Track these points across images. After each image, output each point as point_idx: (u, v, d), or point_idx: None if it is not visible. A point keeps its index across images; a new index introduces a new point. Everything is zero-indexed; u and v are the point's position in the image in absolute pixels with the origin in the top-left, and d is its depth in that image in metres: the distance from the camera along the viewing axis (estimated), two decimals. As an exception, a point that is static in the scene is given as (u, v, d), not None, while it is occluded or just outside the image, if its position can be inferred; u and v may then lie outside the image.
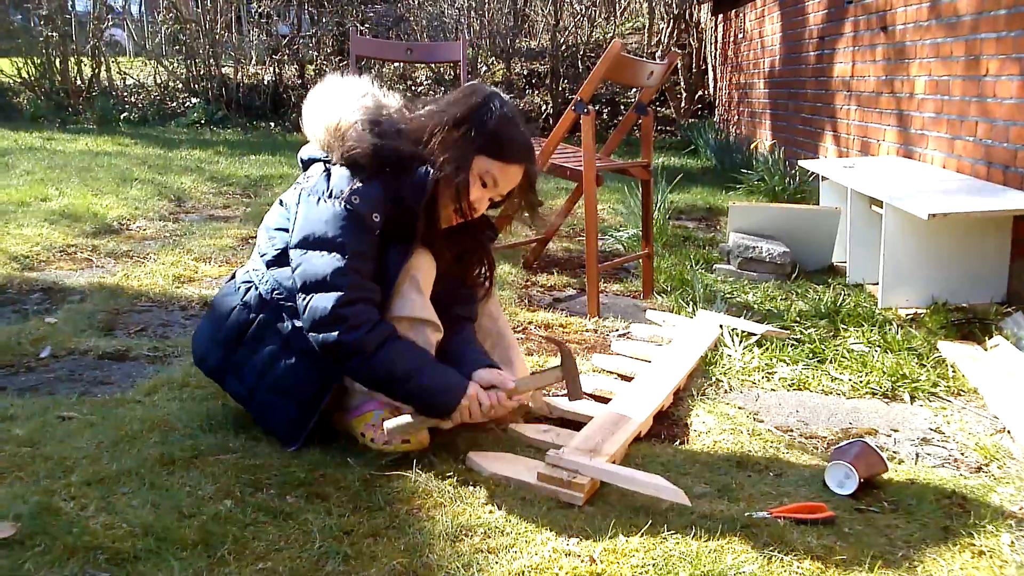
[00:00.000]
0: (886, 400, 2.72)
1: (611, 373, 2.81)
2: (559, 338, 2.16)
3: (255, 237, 4.54)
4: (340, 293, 1.91)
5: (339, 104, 2.04)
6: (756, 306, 3.79)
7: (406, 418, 2.03)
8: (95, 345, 2.87)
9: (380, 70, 10.88)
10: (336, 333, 1.90)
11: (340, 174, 1.99)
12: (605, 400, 2.54)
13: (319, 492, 1.87)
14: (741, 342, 3.09)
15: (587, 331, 3.36)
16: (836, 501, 2.00)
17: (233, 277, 2.22)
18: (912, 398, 2.73)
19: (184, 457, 1.97)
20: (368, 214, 1.95)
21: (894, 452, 2.34)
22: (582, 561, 1.67)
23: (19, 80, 10.45)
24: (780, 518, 1.87)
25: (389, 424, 2.01)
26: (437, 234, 2.09)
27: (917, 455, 2.34)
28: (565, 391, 2.15)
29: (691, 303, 3.64)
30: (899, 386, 2.79)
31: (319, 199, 1.98)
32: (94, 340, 2.93)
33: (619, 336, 3.30)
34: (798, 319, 3.52)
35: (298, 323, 2.00)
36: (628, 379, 2.73)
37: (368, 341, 1.91)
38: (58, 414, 2.21)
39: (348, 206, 1.95)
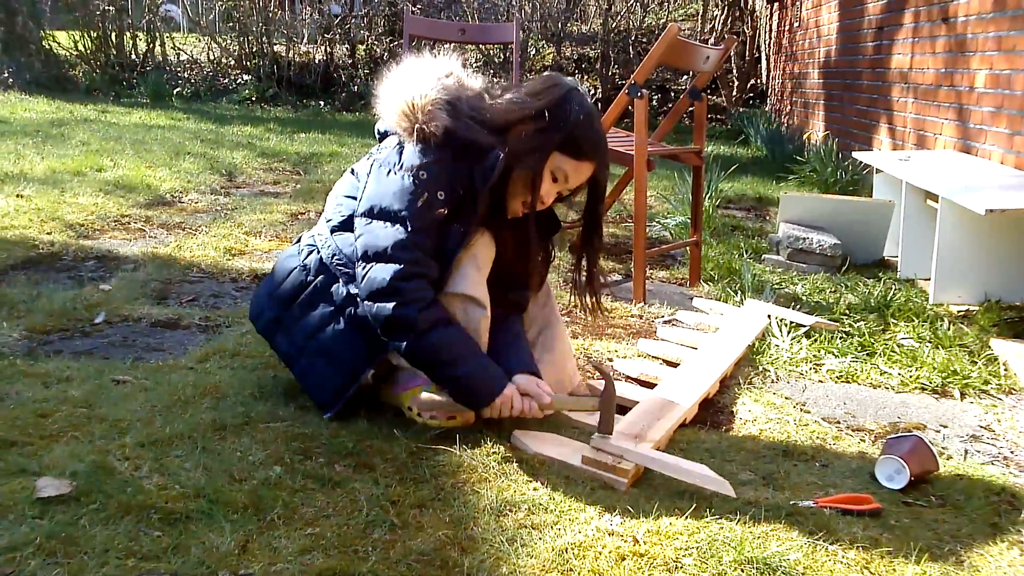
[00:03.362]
0: (936, 396, 2.68)
1: (656, 359, 2.81)
2: (607, 368, 2.15)
3: (304, 214, 4.64)
4: (399, 266, 1.93)
5: (418, 81, 2.04)
6: (805, 297, 3.75)
7: (439, 397, 2.05)
8: (148, 312, 2.93)
9: (431, 51, 10.88)
10: (391, 305, 1.92)
11: (412, 149, 2.00)
12: (650, 385, 2.54)
13: (366, 462, 1.89)
14: (789, 333, 3.06)
15: (632, 316, 3.35)
16: (882, 494, 1.97)
17: (299, 241, 2.24)
18: (962, 394, 2.69)
19: (235, 423, 2.01)
20: (433, 192, 1.96)
21: (943, 448, 2.31)
22: (625, 541, 1.67)
23: (76, 53, 10.62)
24: (826, 508, 1.86)
25: (423, 396, 2.04)
26: (502, 221, 2.10)
27: (966, 452, 2.30)
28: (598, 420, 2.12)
29: (739, 292, 3.61)
30: (949, 382, 2.75)
31: (389, 171, 2.00)
32: (147, 308, 2.98)
33: (665, 323, 3.28)
34: (847, 312, 3.48)
35: (353, 289, 2.03)
36: (674, 365, 2.72)
37: (421, 319, 1.93)
38: (113, 377, 2.26)
39: (416, 180, 1.96)
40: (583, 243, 2.20)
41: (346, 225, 2.09)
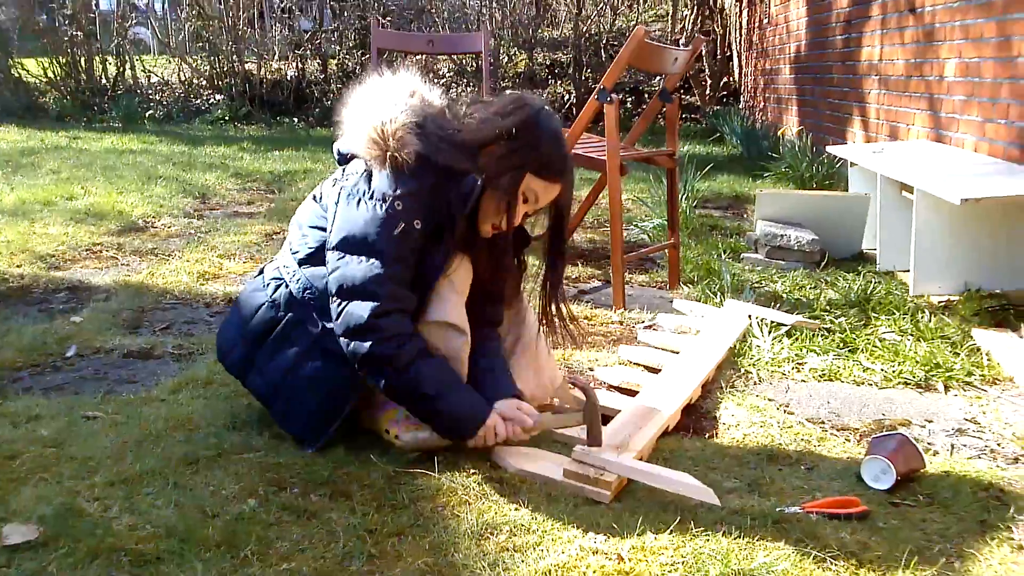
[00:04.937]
0: (920, 390, 2.66)
1: (638, 365, 2.78)
2: (585, 382, 2.12)
3: (279, 233, 4.58)
4: (376, 303, 1.88)
5: (384, 103, 1.98)
6: (785, 295, 3.73)
7: (423, 433, 2.01)
8: (120, 343, 2.88)
9: (403, 63, 10.85)
10: (368, 344, 1.88)
11: (383, 176, 1.94)
12: (632, 393, 2.51)
13: (343, 490, 1.85)
14: (770, 332, 3.04)
15: (613, 323, 3.32)
16: (870, 495, 1.95)
17: (261, 272, 2.19)
18: (946, 388, 2.67)
19: (208, 456, 1.96)
20: (410, 221, 1.91)
21: (929, 443, 2.29)
22: (609, 559, 1.64)
23: (45, 80, 10.52)
24: (812, 513, 1.83)
25: (405, 436, 2.01)
26: (476, 242, 2.06)
27: (952, 446, 2.28)
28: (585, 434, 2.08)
29: (719, 293, 3.59)
30: (933, 375, 2.73)
31: (360, 200, 1.94)
32: (119, 339, 2.93)
33: (645, 327, 3.26)
34: (828, 308, 3.46)
35: (328, 324, 1.97)
36: (655, 371, 2.69)
37: (399, 355, 1.89)
38: (83, 413, 2.21)
39: (390, 210, 1.91)
40: (547, 264, 2.17)
41: (315, 257, 2.03)
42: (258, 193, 5.86)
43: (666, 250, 3.95)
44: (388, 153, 1.92)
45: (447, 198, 1.95)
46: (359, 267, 1.90)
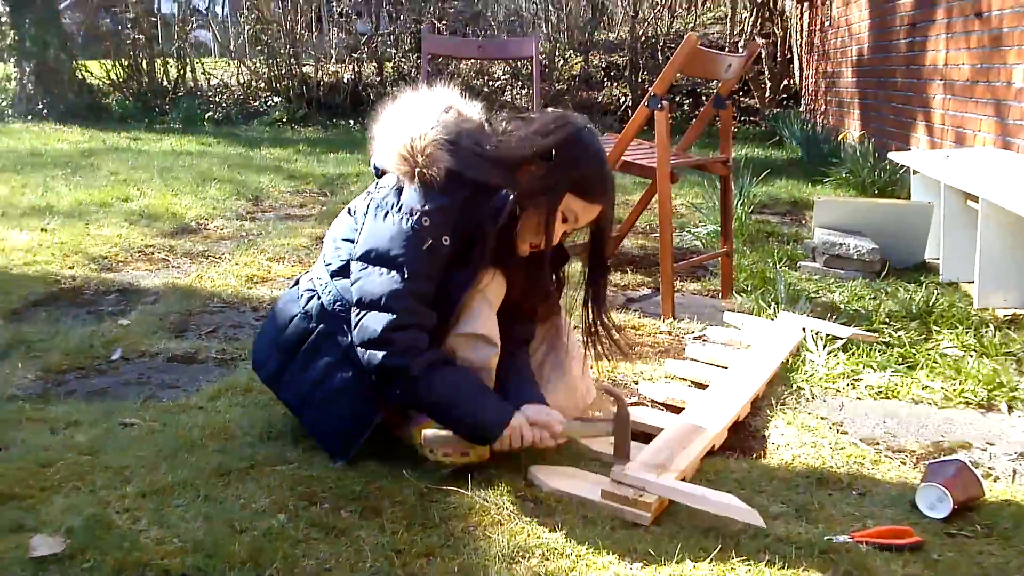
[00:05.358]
0: (982, 410, 2.54)
1: (684, 380, 2.69)
2: (618, 391, 2.06)
3: (328, 236, 4.58)
4: (392, 316, 1.85)
5: (416, 120, 1.94)
6: (842, 306, 3.61)
7: (447, 433, 1.97)
8: (165, 347, 2.89)
9: (458, 66, 10.87)
10: (381, 355, 1.85)
11: (412, 190, 1.90)
12: (677, 410, 2.43)
13: (374, 506, 1.81)
14: (825, 347, 2.93)
15: (661, 333, 3.24)
16: (924, 524, 1.85)
17: (297, 283, 2.18)
18: (1010, 408, 2.54)
19: (241, 468, 1.94)
20: (438, 237, 1.87)
21: (989, 469, 2.17)
22: (646, 588, 1.57)
23: (108, 82, 10.76)
24: (863, 543, 1.74)
25: (428, 432, 1.96)
26: (513, 259, 2.01)
27: (1015, 472, 2.17)
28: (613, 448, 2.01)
29: (772, 304, 3.48)
30: (996, 395, 2.60)
31: (387, 213, 1.91)
32: (164, 342, 2.94)
33: (695, 339, 3.17)
34: (887, 320, 3.34)
35: None
36: (702, 387, 2.61)
37: (413, 366, 1.85)
38: (121, 421, 2.21)
39: (416, 226, 1.86)
40: (588, 281, 2.11)
41: (345, 270, 2.00)
42: (311, 196, 5.88)
43: (719, 258, 3.85)
44: (417, 170, 1.88)
45: (478, 213, 1.89)
46: (380, 280, 1.87)
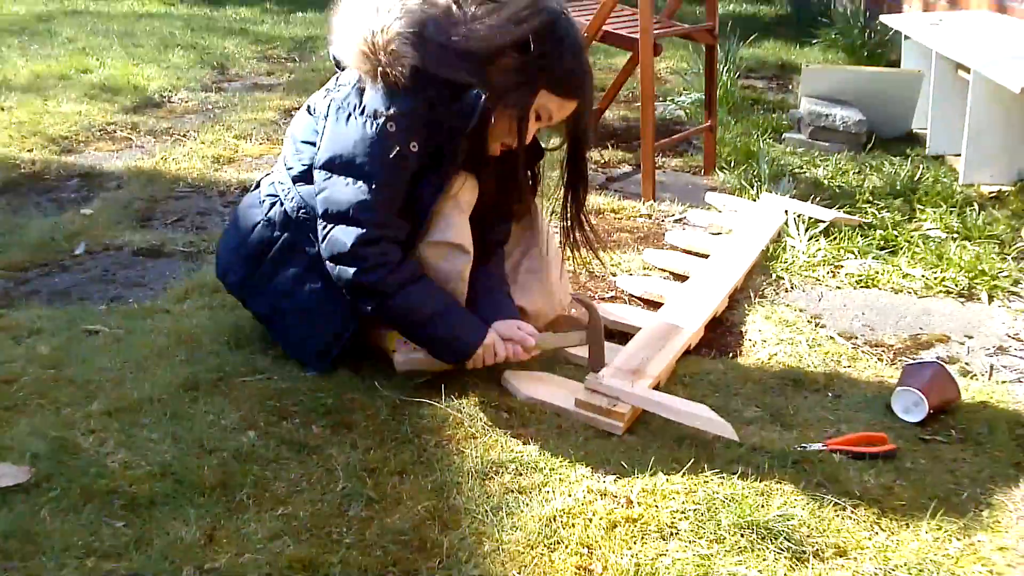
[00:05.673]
0: (961, 299, 2.52)
1: (663, 271, 2.65)
2: (592, 303, 2.00)
3: (297, 108, 4.39)
4: (362, 230, 1.75)
5: (378, 7, 1.78)
6: (826, 182, 3.54)
7: (418, 353, 1.93)
8: (129, 240, 2.80)
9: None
10: (352, 271, 1.77)
11: (376, 90, 1.76)
12: (655, 305, 2.40)
13: (345, 421, 1.79)
14: (807, 230, 2.88)
15: (641, 216, 3.17)
16: (899, 429, 1.85)
17: (258, 186, 2.08)
18: (990, 297, 2.52)
19: (209, 380, 1.90)
20: (405, 143, 1.75)
21: (966, 365, 2.17)
22: (618, 503, 1.57)
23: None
24: (836, 451, 1.74)
25: (400, 358, 1.93)
26: (483, 160, 1.89)
27: (991, 367, 2.16)
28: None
29: (755, 182, 3.40)
30: (977, 283, 2.57)
31: (349, 116, 1.78)
32: (129, 234, 2.85)
33: (675, 221, 3.11)
34: (871, 199, 3.28)
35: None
36: (682, 278, 2.56)
37: (385, 283, 1.78)
38: (85, 327, 2.15)
39: (383, 131, 1.74)
40: (568, 189, 2.01)
41: (308, 175, 1.89)
42: (278, 63, 5.63)
43: (702, 133, 3.74)
44: (379, 69, 1.74)
45: (447, 116, 1.77)
46: (345, 190, 1.77)
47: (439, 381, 1.92)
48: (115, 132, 3.98)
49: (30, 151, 3.62)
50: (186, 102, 4.56)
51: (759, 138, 4.03)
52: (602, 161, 3.82)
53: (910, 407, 1.88)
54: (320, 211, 1.81)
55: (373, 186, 1.76)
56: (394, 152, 1.74)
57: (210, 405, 1.82)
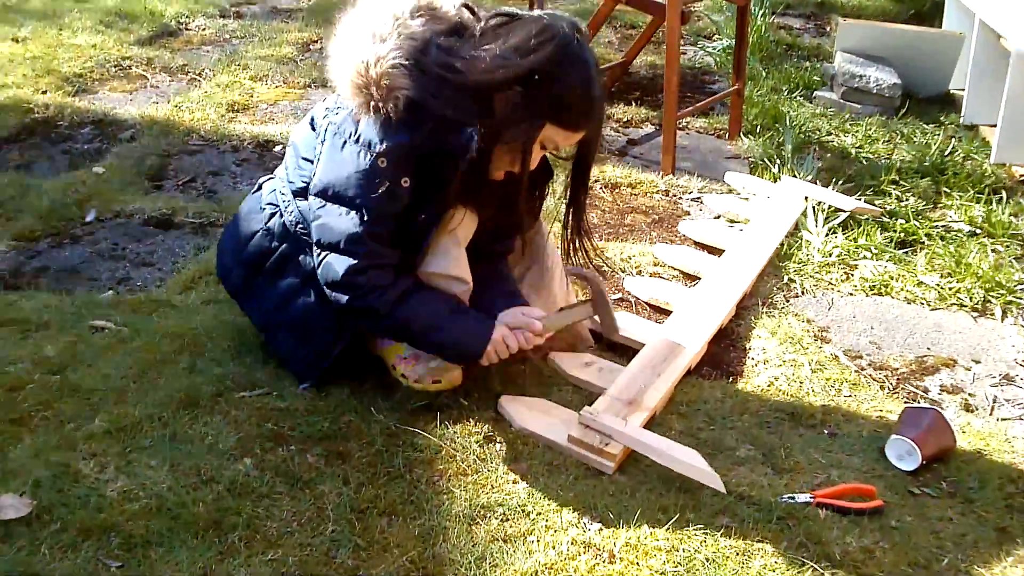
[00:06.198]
0: (975, 315, 2.48)
1: (673, 269, 2.61)
2: (589, 272, 1.98)
3: (316, 43, 4.31)
4: (353, 261, 1.75)
5: (374, 33, 1.70)
6: (853, 151, 3.46)
7: (433, 362, 1.95)
8: (140, 207, 2.80)
9: None
10: (346, 299, 1.78)
11: (369, 123, 1.71)
12: (662, 311, 2.38)
13: (340, 450, 1.81)
14: (826, 222, 2.82)
15: (658, 193, 3.11)
16: (889, 478, 1.85)
17: (259, 188, 2.06)
18: (1004, 313, 2.48)
19: (209, 393, 1.93)
20: (396, 179, 1.72)
21: (969, 396, 2.15)
22: (600, 560, 1.60)
23: None
24: (822, 505, 1.75)
25: (412, 374, 1.97)
26: (483, 187, 1.84)
27: (994, 400, 2.15)
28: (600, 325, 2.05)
29: (780, 153, 3.32)
30: (992, 296, 2.53)
31: (344, 143, 1.74)
32: (140, 199, 2.85)
33: (693, 200, 3.06)
34: (896, 178, 3.20)
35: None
36: (693, 278, 2.54)
37: (380, 304, 1.79)
38: (91, 323, 2.17)
39: (375, 165, 1.70)
40: (570, 198, 1.96)
41: (306, 192, 1.87)
42: (303, -19, 5.47)
43: (729, 97, 3.63)
44: (372, 103, 1.68)
45: (442, 152, 1.71)
46: (339, 220, 1.76)
47: (435, 404, 1.94)
48: (130, 68, 3.93)
49: (44, 92, 3.58)
50: (203, 30, 4.47)
51: (788, 97, 3.91)
52: (624, 120, 3.72)
53: (904, 455, 1.88)
54: (315, 238, 1.81)
55: (365, 218, 1.74)
56: (384, 188, 1.71)
57: (209, 426, 1.85)
